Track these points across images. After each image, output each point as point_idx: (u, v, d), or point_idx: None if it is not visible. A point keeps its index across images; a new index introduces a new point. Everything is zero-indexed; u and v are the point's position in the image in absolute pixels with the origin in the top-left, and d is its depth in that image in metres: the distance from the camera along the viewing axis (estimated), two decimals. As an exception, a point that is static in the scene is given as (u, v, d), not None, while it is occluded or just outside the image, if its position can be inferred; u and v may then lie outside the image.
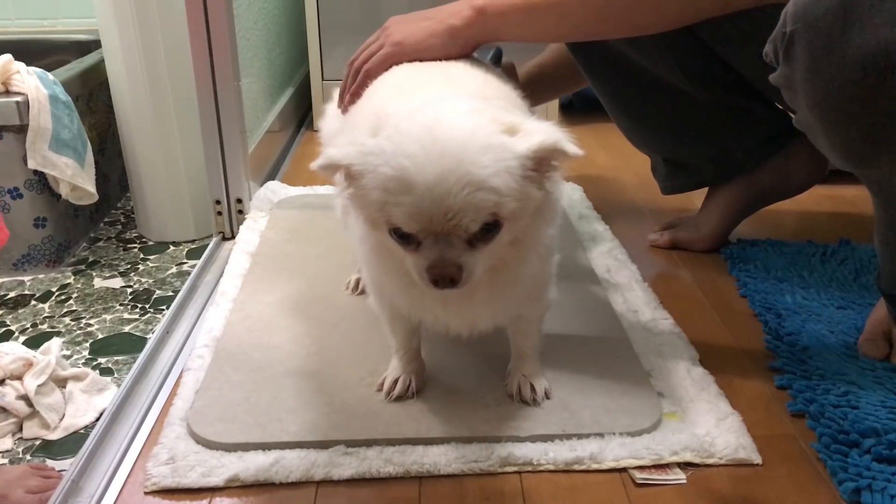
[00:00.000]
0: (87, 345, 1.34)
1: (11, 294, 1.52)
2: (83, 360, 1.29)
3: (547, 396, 0.94)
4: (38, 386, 1.14)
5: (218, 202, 1.50)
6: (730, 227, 1.39)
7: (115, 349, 1.33)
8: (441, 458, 0.85)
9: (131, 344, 1.34)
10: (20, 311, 1.46)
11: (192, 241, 1.73)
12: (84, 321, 1.42)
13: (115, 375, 1.25)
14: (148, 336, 1.35)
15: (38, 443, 1.11)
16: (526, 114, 0.85)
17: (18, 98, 1.52)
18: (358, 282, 1.20)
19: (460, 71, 0.94)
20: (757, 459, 0.86)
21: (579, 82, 1.47)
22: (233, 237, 1.47)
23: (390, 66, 1.01)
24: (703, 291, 1.25)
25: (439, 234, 0.70)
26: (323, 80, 2.11)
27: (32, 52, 1.93)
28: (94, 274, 1.60)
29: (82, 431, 1.13)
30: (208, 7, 1.38)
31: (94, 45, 1.88)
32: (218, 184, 1.49)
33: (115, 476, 0.86)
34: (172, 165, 1.68)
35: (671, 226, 1.43)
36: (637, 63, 1.30)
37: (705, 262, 1.35)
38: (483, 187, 0.68)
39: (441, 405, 0.93)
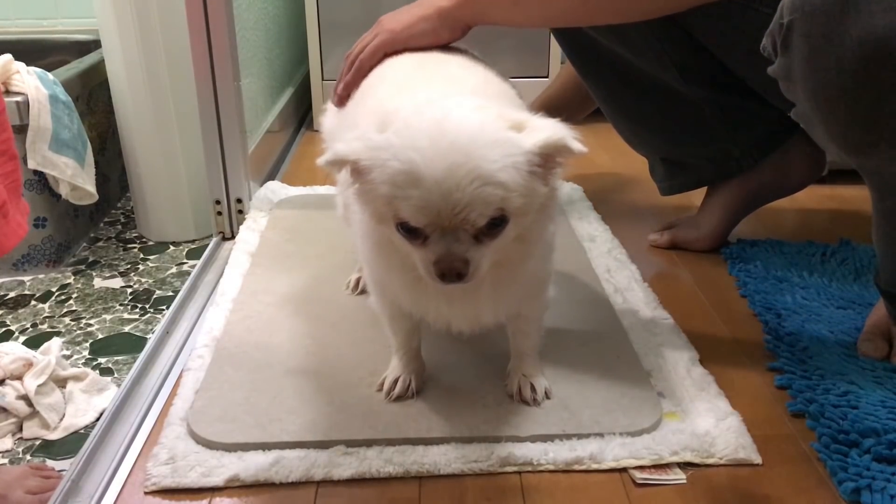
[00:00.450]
0: (87, 345, 1.34)
1: (11, 294, 1.52)
2: (83, 360, 1.29)
3: (547, 396, 0.94)
4: (38, 386, 1.14)
5: (218, 202, 1.50)
6: (730, 227, 1.39)
7: (115, 349, 1.33)
8: (441, 458, 0.85)
9: (131, 344, 1.34)
10: (20, 311, 1.46)
11: (192, 241, 1.73)
12: (84, 321, 1.42)
13: (115, 375, 1.25)
14: (148, 336, 1.35)
15: (38, 443, 1.11)
16: (525, 111, 0.85)
17: (18, 98, 1.52)
18: (358, 281, 1.20)
19: (459, 69, 0.95)
20: (757, 459, 0.86)
21: (589, 105, 1.48)
22: (233, 237, 1.47)
23: (384, 55, 1.02)
24: (703, 291, 1.25)
25: (447, 229, 0.71)
26: (323, 80, 2.11)
27: (32, 52, 1.93)
28: (94, 274, 1.60)
29: (82, 431, 1.13)
30: (208, 7, 1.38)
31: (94, 45, 1.88)
32: (218, 184, 1.49)
33: (115, 476, 0.86)
34: (172, 165, 1.68)
35: (671, 226, 1.43)
36: (632, 63, 1.30)
37: (705, 262, 1.35)
38: (491, 181, 0.68)
39: (441, 405, 0.93)
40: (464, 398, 0.95)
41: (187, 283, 1.31)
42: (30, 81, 1.54)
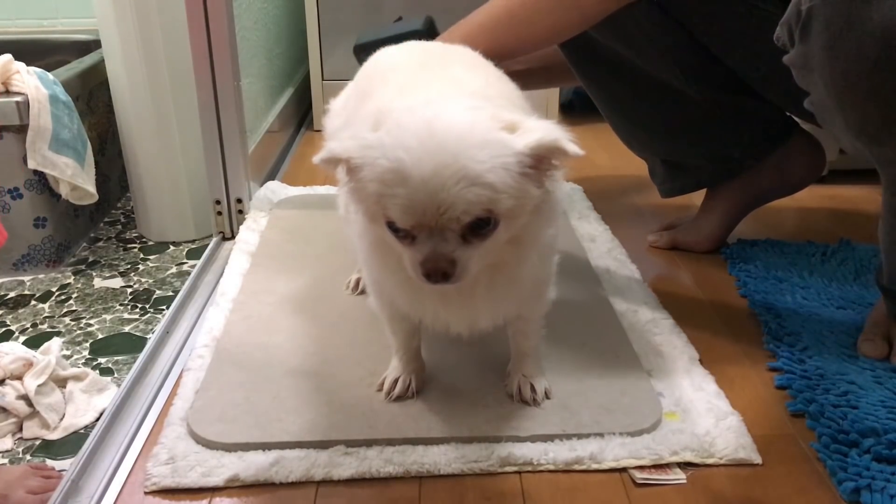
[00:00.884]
0: (87, 345, 1.34)
1: (11, 294, 1.52)
2: (83, 360, 1.29)
3: (547, 396, 0.94)
4: (38, 386, 1.14)
5: (218, 202, 1.50)
6: (730, 227, 1.39)
7: (115, 349, 1.33)
8: (441, 458, 0.85)
9: (131, 344, 1.34)
10: (20, 311, 1.46)
11: (192, 241, 1.73)
12: (84, 321, 1.42)
13: (115, 375, 1.25)
14: (148, 336, 1.35)
15: (38, 443, 1.11)
16: (528, 114, 0.85)
17: (18, 98, 1.52)
18: (358, 282, 1.20)
19: (463, 70, 0.94)
20: (757, 459, 0.86)
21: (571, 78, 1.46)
22: (233, 237, 1.47)
23: None
24: (703, 291, 1.25)
25: (433, 229, 0.70)
26: (323, 80, 2.11)
27: (32, 52, 1.93)
28: (94, 274, 1.60)
29: (82, 431, 1.13)
30: (208, 7, 1.38)
31: (94, 45, 1.88)
32: (218, 184, 1.49)
33: (115, 476, 0.86)
34: (172, 165, 1.68)
35: (671, 226, 1.43)
36: (633, 63, 1.30)
37: (705, 262, 1.35)
38: (478, 182, 0.68)
39: (441, 405, 0.93)
40: (464, 398, 0.95)
41: (187, 283, 1.31)
42: (30, 81, 1.54)
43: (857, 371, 0.99)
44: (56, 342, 1.23)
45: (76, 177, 1.58)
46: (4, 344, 1.23)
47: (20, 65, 1.57)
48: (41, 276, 1.59)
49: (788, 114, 1.33)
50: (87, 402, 1.17)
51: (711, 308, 1.20)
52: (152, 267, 1.63)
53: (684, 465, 0.86)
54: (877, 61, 0.79)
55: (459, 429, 0.89)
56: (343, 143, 0.73)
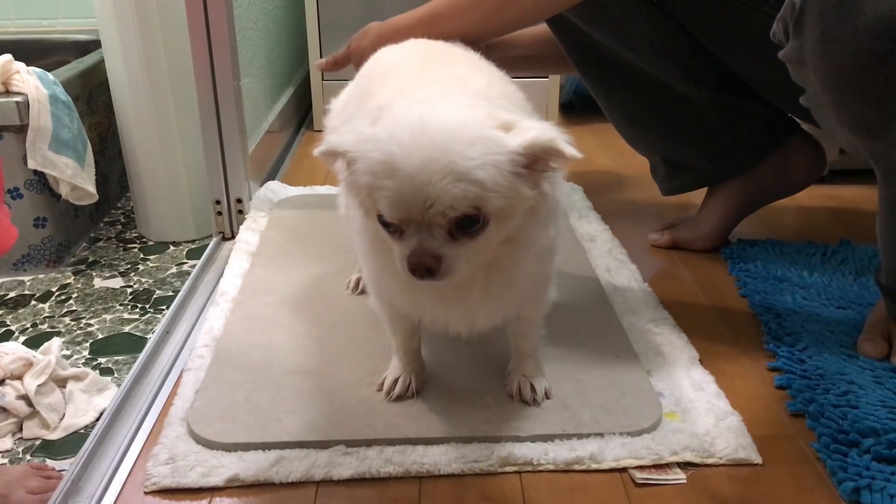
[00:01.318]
0: (87, 345, 1.34)
1: (11, 294, 1.52)
2: (83, 360, 1.29)
3: (547, 396, 0.94)
4: (38, 386, 1.14)
5: (218, 202, 1.50)
6: (730, 227, 1.39)
7: (115, 349, 1.33)
8: (441, 458, 0.85)
9: (131, 344, 1.34)
10: (20, 311, 1.46)
11: (192, 241, 1.73)
12: (84, 321, 1.42)
13: (115, 375, 1.25)
14: (148, 336, 1.35)
15: (38, 443, 1.11)
16: (529, 114, 0.85)
17: (18, 98, 1.52)
18: (358, 282, 1.20)
19: (465, 70, 0.95)
20: (757, 459, 0.86)
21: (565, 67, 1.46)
22: (233, 237, 1.47)
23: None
24: (703, 291, 1.25)
25: (421, 224, 0.71)
26: (323, 80, 2.11)
27: (32, 52, 1.93)
28: (94, 274, 1.60)
29: (82, 431, 1.13)
30: (208, 7, 1.38)
31: (94, 45, 1.88)
32: (218, 184, 1.49)
33: (115, 476, 0.86)
34: (172, 165, 1.68)
35: (671, 225, 1.43)
36: (634, 64, 1.30)
37: (705, 262, 1.35)
38: (465, 178, 0.68)
39: (441, 405, 0.93)
40: (464, 398, 0.95)
41: (187, 283, 1.31)
42: (30, 81, 1.54)
43: (857, 371, 0.99)
44: (56, 342, 1.23)
45: (76, 177, 1.58)
46: (4, 344, 1.23)
47: (20, 65, 1.57)
48: (41, 276, 1.59)
49: (789, 114, 1.33)
50: (87, 402, 1.17)
51: (711, 308, 1.20)
52: (152, 267, 1.63)
53: (684, 465, 0.86)
54: (869, 54, 0.79)
55: (459, 429, 0.89)
56: (341, 137, 0.74)
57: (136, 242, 1.75)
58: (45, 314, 1.45)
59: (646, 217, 1.53)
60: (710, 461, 0.86)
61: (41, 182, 1.58)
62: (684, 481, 0.84)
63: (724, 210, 1.37)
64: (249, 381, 0.98)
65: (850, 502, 0.81)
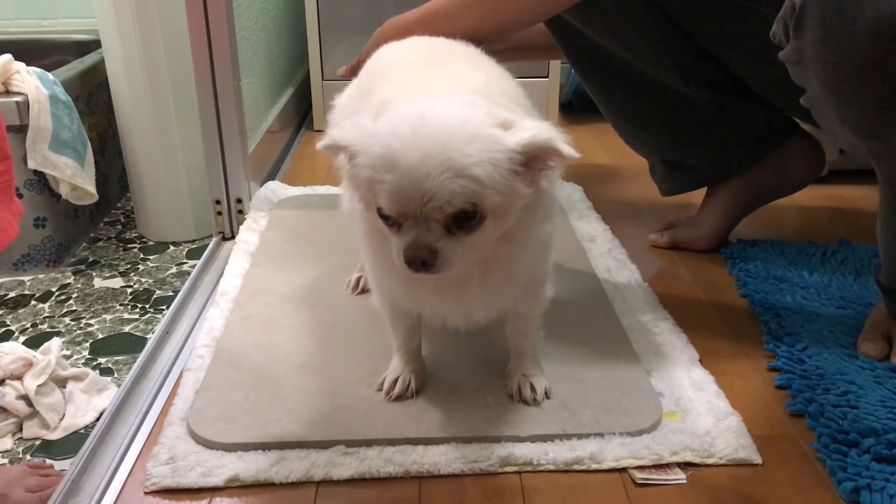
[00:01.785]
0: (87, 345, 1.34)
1: (11, 294, 1.52)
2: (83, 360, 1.29)
3: (547, 396, 0.94)
4: (38, 386, 1.14)
5: (218, 202, 1.50)
6: (730, 227, 1.39)
7: (115, 349, 1.33)
8: (441, 458, 0.85)
9: (131, 344, 1.34)
10: (20, 311, 1.46)
11: (192, 241, 1.73)
12: (84, 321, 1.42)
13: (115, 375, 1.25)
14: (148, 336, 1.35)
15: (38, 443, 1.11)
16: (529, 113, 0.85)
17: (18, 98, 1.52)
18: (358, 281, 1.20)
19: (466, 68, 0.95)
20: (757, 459, 0.86)
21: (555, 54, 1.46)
22: (233, 237, 1.47)
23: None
24: (703, 291, 1.25)
25: (418, 218, 0.71)
26: (323, 80, 2.11)
27: (32, 52, 1.93)
28: (94, 274, 1.60)
29: (82, 431, 1.13)
30: (208, 7, 1.38)
31: (94, 45, 1.88)
32: (218, 184, 1.49)
33: (115, 476, 0.86)
34: (172, 165, 1.68)
35: (671, 226, 1.43)
36: (632, 65, 1.30)
37: (705, 262, 1.35)
38: (463, 174, 0.69)
39: (441, 405, 0.93)
40: (464, 398, 0.95)
41: (187, 283, 1.31)
42: (30, 81, 1.54)
43: (857, 371, 0.99)
44: (56, 342, 1.23)
45: (76, 177, 1.58)
46: (4, 344, 1.23)
47: (20, 65, 1.57)
48: (41, 276, 1.59)
49: (787, 114, 1.33)
50: (87, 402, 1.17)
51: (711, 308, 1.20)
52: (152, 267, 1.63)
53: (684, 465, 0.86)
54: (870, 54, 0.79)
55: (459, 429, 0.89)
56: (344, 131, 0.75)
57: (136, 242, 1.75)
58: (45, 314, 1.45)
59: (646, 217, 1.53)
60: (710, 461, 0.86)
61: (41, 182, 1.58)
62: (684, 481, 0.84)
63: (724, 210, 1.37)
64: (249, 381, 0.98)
65: (849, 502, 0.81)
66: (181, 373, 1.03)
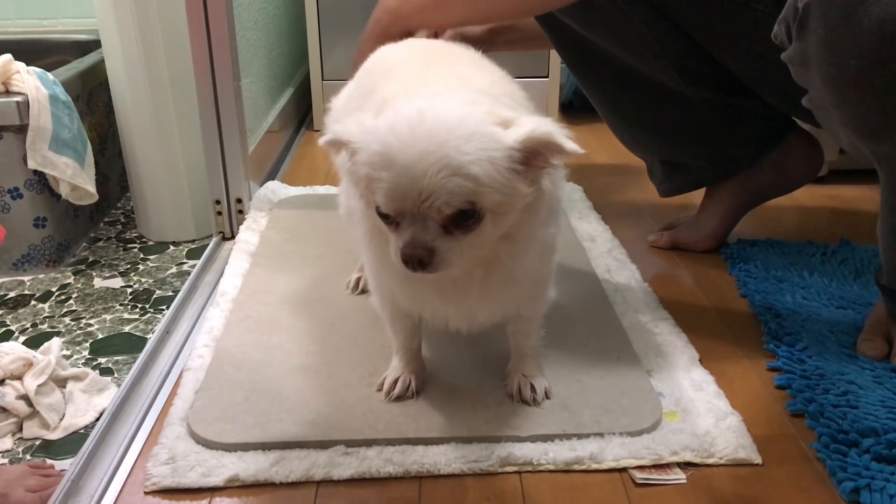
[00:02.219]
0: (87, 345, 1.34)
1: (11, 294, 1.52)
2: (83, 360, 1.29)
3: (547, 396, 0.94)
4: (38, 386, 1.14)
5: (218, 202, 1.50)
6: (730, 226, 1.39)
7: (115, 349, 1.33)
8: (441, 458, 0.85)
9: (131, 344, 1.34)
10: (20, 311, 1.46)
11: (192, 241, 1.73)
12: (84, 321, 1.42)
13: (115, 375, 1.25)
14: (148, 336, 1.35)
15: (38, 443, 1.11)
16: (531, 113, 0.85)
17: (18, 98, 1.52)
18: (358, 281, 1.20)
19: (468, 70, 0.95)
20: (757, 459, 0.86)
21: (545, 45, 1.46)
22: (233, 237, 1.47)
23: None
24: (703, 291, 1.25)
25: (416, 216, 0.71)
26: (323, 80, 2.11)
27: (32, 52, 1.93)
28: (94, 274, 1.60)
29: (82, 431, 1.13)
30: (208, 7, 1.38)
31: (94, 45, 1.88)
32: (218, 184, 1.50)
33: (115, 476, 0.86)
34: (172, 165, 1.68)
35: (671, 226, 1.43)
36: (630, 65, 1.30)
37: (705, 262, 1.35)
38: (460, 173, 0.68)
39: (441, 405, 0.93)
40: (464, 398, 0.95)
41: (187, 283, 1.31)
42: (30, 81, 1.54)
43: (857, 371, 0.99)
44: (56, 342, 1.23)
45: (76, 177, 1.58)
46: (4, 344, 1.23)
47: (20, 65, 1.57)
48: (41, 276, 1.59)
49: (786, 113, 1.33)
50: (87, 402, 1.17)
51: (711, 308, 1.20)
52: (152, 267, 1.63)
53: (684, 465, 0.86)
54: (874, 56, 0.79)
55: (459, 429, 0.89)
56: (346, 127, 0.75)
57: (136, 242, 1.75)
58: (45, 314, 1.45)
59: (646, 217, 1.53)
60: (710, 461, 0.86)
61: (41, 182, 1.58)
62: (684, 481, 0.84)
63: (724, 210, 1.37)
64: (249, 381, 0.98)
65: (849, 502, 0.81)
66: (181, 373, 1.03)
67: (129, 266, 1.64)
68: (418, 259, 0.72)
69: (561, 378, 0.98)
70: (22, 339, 1.36)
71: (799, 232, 1.47)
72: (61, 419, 1.14)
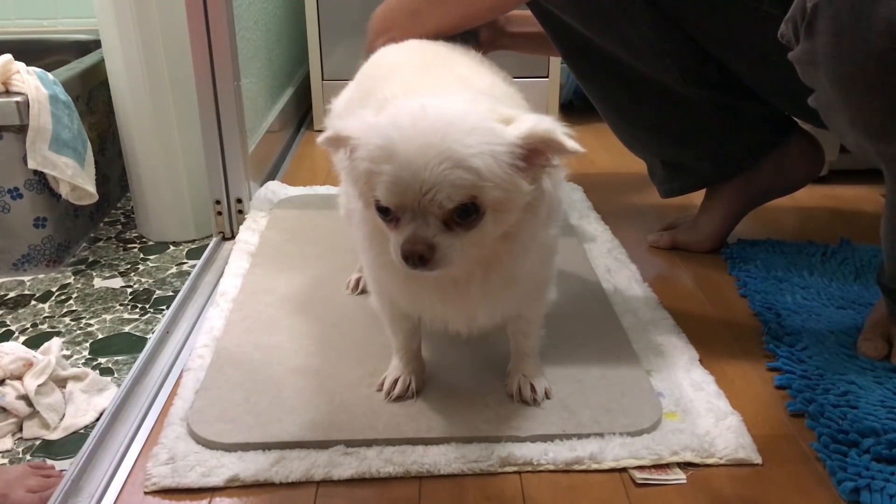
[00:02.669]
0: (87, 345, 1.34)
1: (11, 294, 1.52)
2: (83, 360, 1.29)
3: (547, 396, 0.94)
4: (38, 386, 1.14)
5: (218, 202, 1.50)
6: (730, 227, 1.39)
7: (115, 349, 1.33)
8: (441, 458, 0.85)
9: (131, 344, 1.34)
10: (20, 311, 1.46)
11: (192, 241, 1.73)
12: (84, 321, 1.42)
13: (115, 375, 1.25)
14: (148, 336, 1.35)
15: (38, 443, 1.11)
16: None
17: (18, 98, 1.52)
18: (358, 281, 1.20)
19: (468, 72, 0.95)
20: (757, 459, 0.86)
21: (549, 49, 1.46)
22: (233, 237, 1.47)
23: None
24: (703, 291, 1.25)
25: (416, 211, 0.71)
26: (323, 80, 2.11)
27: (32, 52, 1.93)
28: (94, 274, 1.60)
29: (82, 431, 1.13)
30: (208, 7, 1.38)
31: (94, 45, 1.88)
32: (218, 184, 1.50)
33: (115, 476, 0.86)
34: (172, 165, 1.68)
35: (671, 226, 1.43)
36: (631, 65, 1.30)
37: (705, 262, 1.35)
38: (462, 166, 0.68)
39: (441, 405, 0.93)
40: (464, 398, 0.95)
41: (187, 283, 1.31)
42: (30, 81, 1.54)
43: (857, 371, 0.99)
44: (56, 342, 1.23)
45: (76, 177, 1.58)
46: (4, 344, 1.23)
47: (20, 65, 1.57)
48: (41, 276, 1.59)
49: (786, 113, 1.33)
50: (87, 402, 1.17)
51: (711, 308, 1.20)
52: (152, 267, 1.63)
53: (684, 465, 0.86)
54: (883, 56, 0.79)
55: (459, 429, 0.89)
56: (346, 123, 0.75)
57: (136, 242, 1.75)
58: (45, 314, 1.45)
59: (646, 217, 1.53)
60: (710, 461, 0.86)
61: (41, 182, 1.58)
62: (684, 481, 0.84)
63: (724, 211, 1.37)
64: (249, 381, 0.98)
65: (849, 502, 0.81)
66: (181, 373, 1.03)
67: (129, 266, 1.64)
68: (419, 255, 0.71)
69: (561, 378, 0.98)
70: (22, 339, 1.36)
71: (799, 232, 1.47)
72: (61, 419, 1.14)
